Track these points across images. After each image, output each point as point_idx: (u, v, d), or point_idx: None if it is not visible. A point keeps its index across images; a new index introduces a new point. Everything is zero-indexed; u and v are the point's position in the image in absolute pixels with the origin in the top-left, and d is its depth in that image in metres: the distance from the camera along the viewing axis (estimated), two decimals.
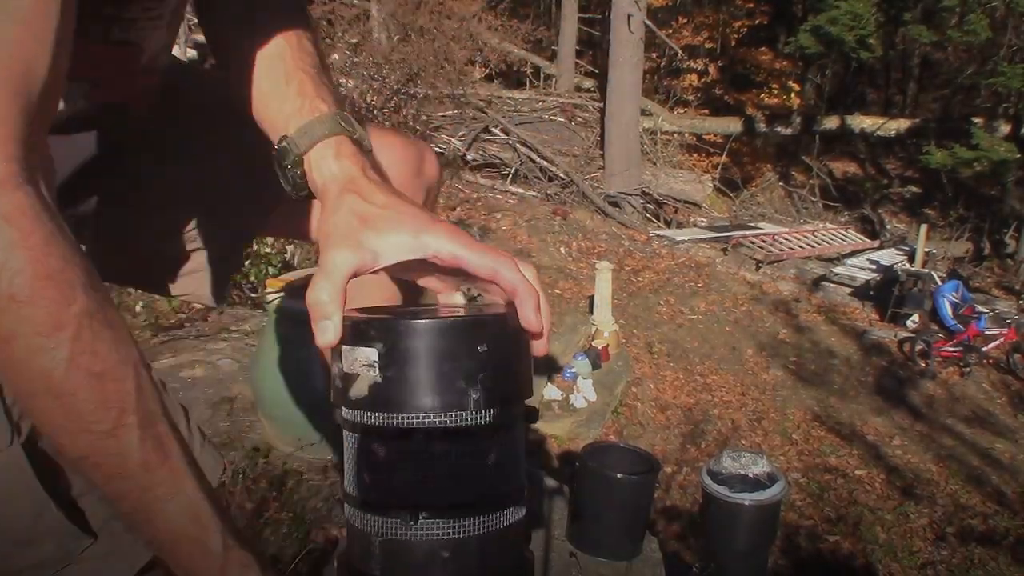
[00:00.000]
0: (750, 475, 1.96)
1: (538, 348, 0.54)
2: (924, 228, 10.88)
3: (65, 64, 0.50)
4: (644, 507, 2.07)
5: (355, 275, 0.53)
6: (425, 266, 0.55)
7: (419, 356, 0.50)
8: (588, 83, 13.73)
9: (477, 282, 0.56)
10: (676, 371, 7.16)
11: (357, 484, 0.53)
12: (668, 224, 11.17)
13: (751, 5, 16.95)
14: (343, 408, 0.53)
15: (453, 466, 0.51)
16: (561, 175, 10.68)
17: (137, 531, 0.53)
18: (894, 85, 18.36)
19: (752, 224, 12.04)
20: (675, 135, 13.62)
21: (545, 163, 10.71)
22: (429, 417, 0.50)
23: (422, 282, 0.62)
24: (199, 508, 0.52)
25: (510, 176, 10.47)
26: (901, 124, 13.41)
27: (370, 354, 0.51)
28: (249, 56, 0.67)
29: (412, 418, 0.50)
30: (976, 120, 12.18)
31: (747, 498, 1.91)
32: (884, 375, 7.76)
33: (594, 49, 15.30)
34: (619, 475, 2.00)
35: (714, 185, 13.16)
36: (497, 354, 0.52)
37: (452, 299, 0.62)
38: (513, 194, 10.22)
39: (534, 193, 10.39)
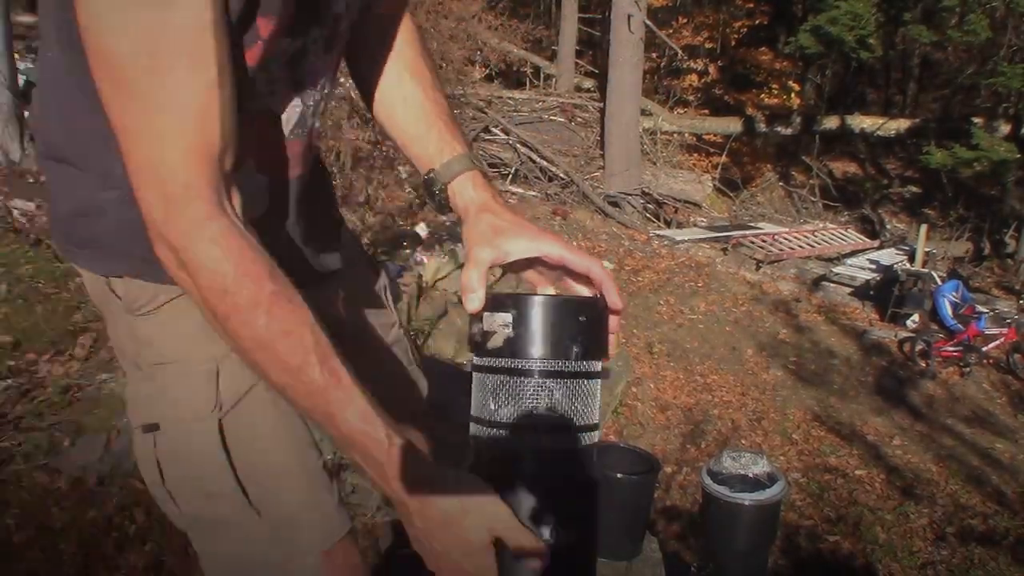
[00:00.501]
0: (750, 475, 1.96)
1: (614, 324, 0.80)
2: (924, 228, 10.88)
3: (235, 121, 0.69)
4: (644, 507, 2.07)
5: (492, 266, 0.80)
6: (534, 263, 0.83)
7: (540, 321, 0.73)
8: (588, 83, 13.73)
9: (573, 276, 0.82)
10: (676, 371, 7.16)
11: (487, 410, 0.75)
12: (668, 224, 11.17)
13: (751, 5, 16.93)
14: (479, 357, 0.76)
15: (557, 398, 0.74)
16: (561, 175, 10.68)
17: (326, 432, 0.72)
18: (894, 85, 18.36)
19: (752, 224, 12.04)
20: (675, 135, 13.62)
21: (545, 163, 10.71)
22: (545, 363, 0.73)
23: (525, 275, 0.86)
24: (367, 412, 0.71)
25: (510, 176, 10.47)
26: (901, 124, 13.40)
27: (506, 318, 0.74)
28: (397, 107, 0.94)
29: (533, 363, 0.73)
30: (976, 120, 12.17)
31: (747, 498, 1.91)
32: (884, 375, 7.76)
33: (594, 49, 15.30)
34: (619, 475, 2.00)
35: (714, 185, 13.16)
36: (591, 323, 0.76)
37: (546, 290, 0.85)
38: (513, 194, 10.22)
39: (534, 193, 10.39)
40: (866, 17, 12.61)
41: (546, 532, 0.73)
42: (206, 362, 0.85)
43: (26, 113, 6.84)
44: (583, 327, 0.74)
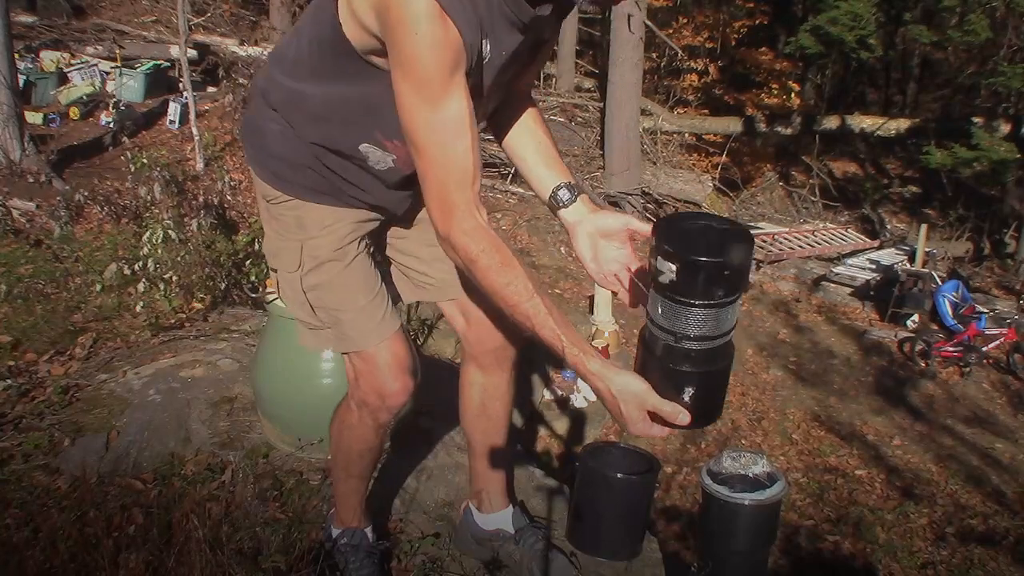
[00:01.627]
0: (750, 475, 1.96)
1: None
2: (924, 228, 10.86)
3: (479, 158, 1.20)
4: (644, 507, 2.07)
5: (603, 231, 1.34)
6: (623, 233, 1.33)
7: (696, 278, 1.03)
8: (588, 83, 13.72)
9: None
10: None
11: (656, 315, 1.09)
12: None
13: (751, 5, 16.92)
14: (655, 284, 1.06)
15: (703, 319, 1.05)
16: None
17: (534, 336, 1.18)
18: (894, 85, 18.36)
19: (752, 224, 12.03)
20: (675, 135, 13.61)
21: None
22: (698, 301, 1.04)
23: (617, 236, 1.36)
24: (554, 331, 1.14)
25: (510, 176, 10.47)
26: (901, 124, 13.40)
27: (672, 267, 1.03)
28: (526, 151, 1.51)
29: (690, 301, 1.04)
30: (976, 120, 12.17)
31: (747, 498, 1.91)
32: (884, 375, 7.76)
33: (594, 49, 15.29)
34: (619, 475, 2.00)
35: (714, 185, 13.14)
36: (734, 274, 1.03)
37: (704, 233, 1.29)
38: (513, 194, 10.22)
39: (534, 193, 10.38)
40: (866, 17, 12.61)
41: (686, 396, 1.10)
42: (296, 242, 1.48)
43: (26, 113, 6.84)
44: (727, 278, 1.03)
